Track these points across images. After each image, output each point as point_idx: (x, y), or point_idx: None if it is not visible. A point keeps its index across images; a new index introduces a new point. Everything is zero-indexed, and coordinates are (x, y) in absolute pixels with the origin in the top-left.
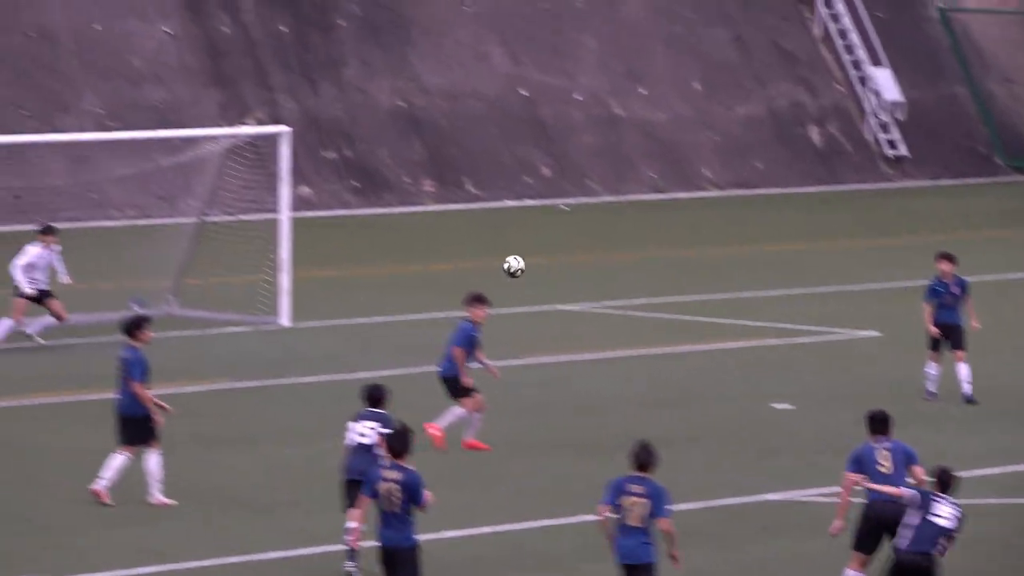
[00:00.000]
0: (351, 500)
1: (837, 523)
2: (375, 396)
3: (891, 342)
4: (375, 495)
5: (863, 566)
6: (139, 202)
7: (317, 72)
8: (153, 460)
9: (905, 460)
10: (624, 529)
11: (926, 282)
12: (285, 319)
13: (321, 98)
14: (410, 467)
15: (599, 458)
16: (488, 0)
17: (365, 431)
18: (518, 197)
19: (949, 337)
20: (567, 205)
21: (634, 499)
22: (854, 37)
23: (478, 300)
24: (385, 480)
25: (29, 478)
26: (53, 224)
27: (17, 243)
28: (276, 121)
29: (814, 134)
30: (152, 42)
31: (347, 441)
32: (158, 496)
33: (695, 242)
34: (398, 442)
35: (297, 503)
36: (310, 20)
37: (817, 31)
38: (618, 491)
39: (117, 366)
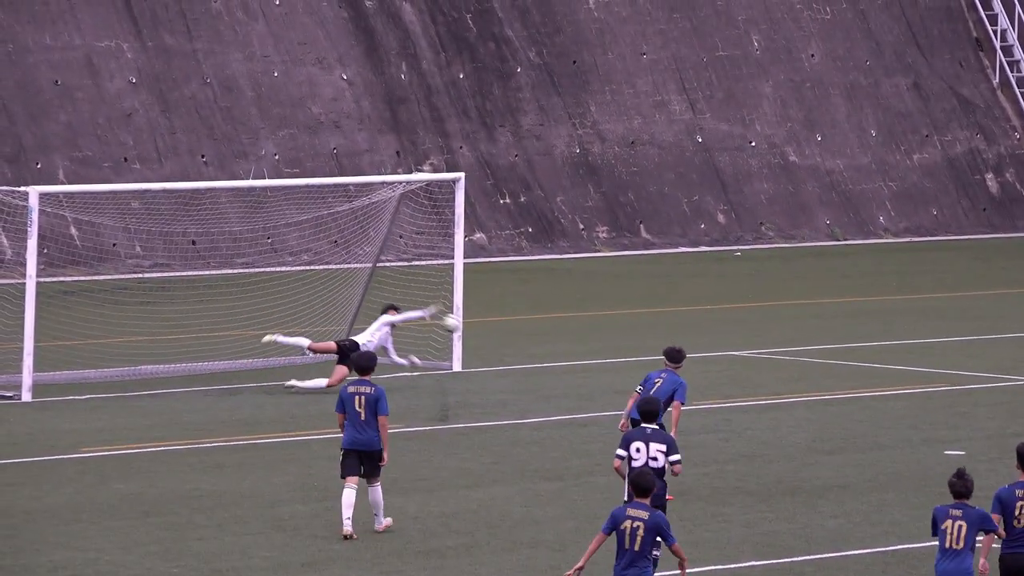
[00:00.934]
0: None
1: (982, 561)
2: None
3: None
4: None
5: None
6: (314, 247)
7: (494, 119)
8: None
9: None
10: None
11: None
12: (457, 364)
13: (497, 145)
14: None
15: (767, 503)
16: (666, 47)
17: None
18: (693, 244)
19: None
20: (740, 251)
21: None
22: None
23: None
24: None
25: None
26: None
27: (192, 288)
28: (451, 168)
29: (991, 181)
30: (330, 89)
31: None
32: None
33: (871, 289)
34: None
35: (469, 548)
36: (488, 67)
37: (995, 78)
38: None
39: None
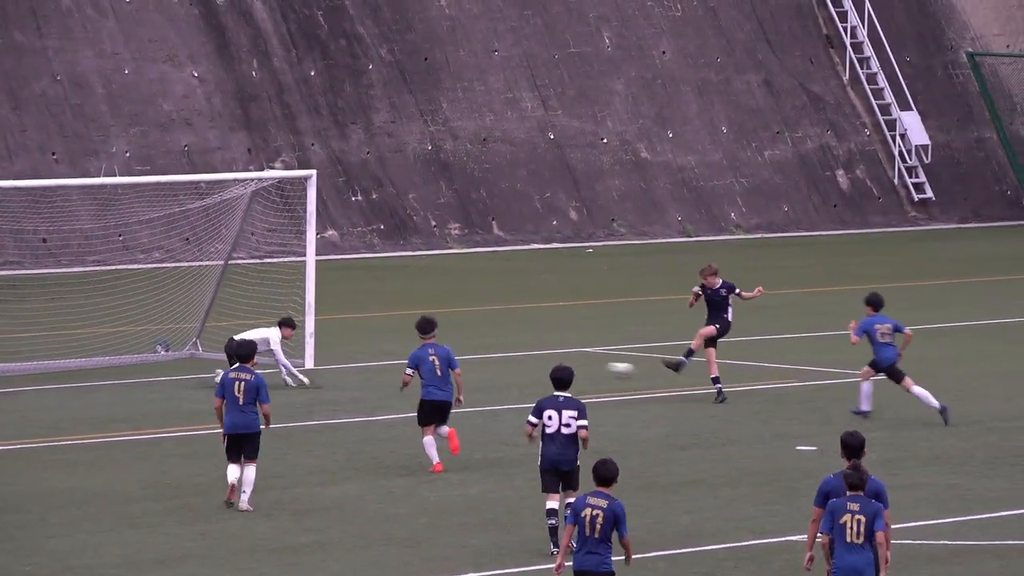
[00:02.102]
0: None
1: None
2: None
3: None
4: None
5: None
6: (165, 245)
7: (346, 116)
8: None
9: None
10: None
11: (952, 324)
12: (310, 362)
13: (349, 142)
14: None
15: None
16: (518, 45)
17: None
18: (545, 240)
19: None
20: (592, 248)
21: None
22: (882, 81)
23: None
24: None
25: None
26: None
27: (42, 286)
28: (303, 165)
29: (841, 178)
30: (181, 86)
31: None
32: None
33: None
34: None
35: (322, 545)
36: (339, 64)
37: (846, 75)
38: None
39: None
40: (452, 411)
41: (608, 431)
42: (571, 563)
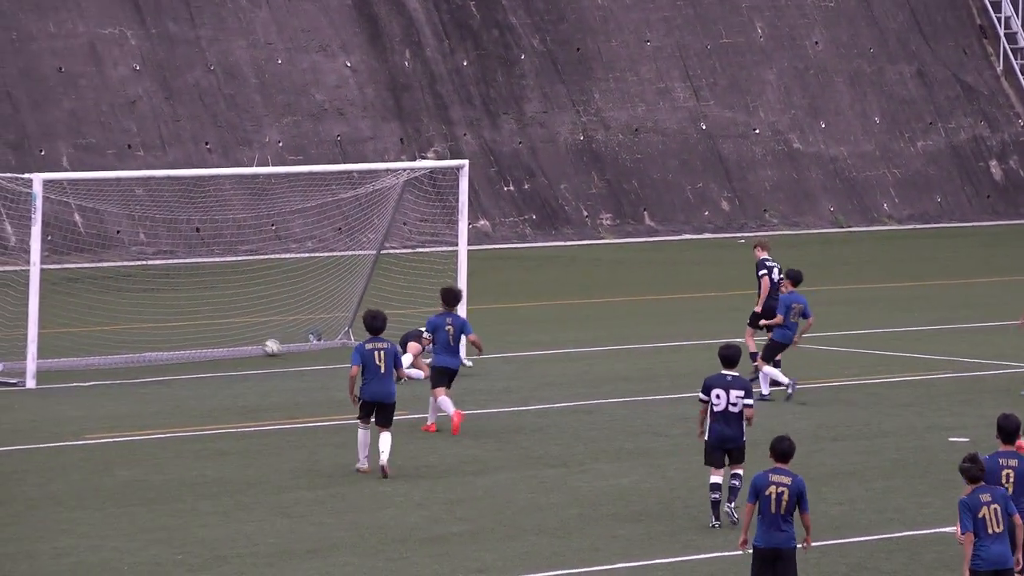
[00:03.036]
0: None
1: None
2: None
3: None
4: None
5: None
6: (318, 235)
7: (498, 106)
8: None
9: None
10: None
11: None
12: (461, 352)
13: (501, 132)
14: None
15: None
16: (670, 35)
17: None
18: (696, 231)
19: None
20: (744, 239)
21: None
22: None
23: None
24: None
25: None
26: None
27: (195, 275)
28: (456, 155)
29: (994, 168)
30: (334, 76)
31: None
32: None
33: (873, 276)
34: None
35: (473, 535)
36: (492, 55)
37: (999, 65)
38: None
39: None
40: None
41: (760, 422)
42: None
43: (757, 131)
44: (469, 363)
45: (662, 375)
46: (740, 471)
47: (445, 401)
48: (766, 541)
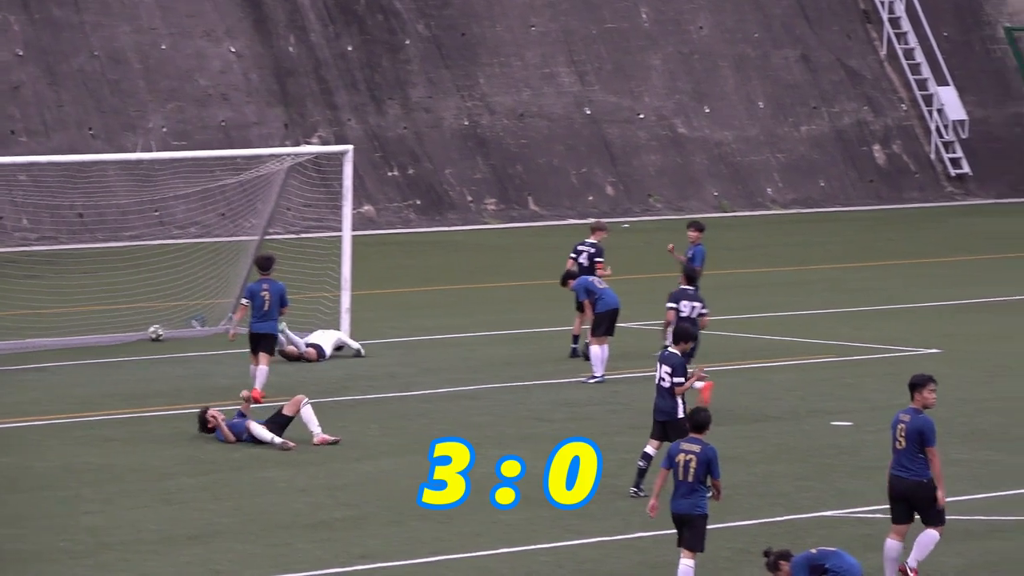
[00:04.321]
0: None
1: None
2: None
3: (953, 360)
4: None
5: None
6: (201, 220)
7: (383, 92)
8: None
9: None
10: None
11: (989, 300)
12: (345, 337)
13: (386, 117)
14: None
15: (653, 473)
16: (555, 21)
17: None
18: (581, 216)
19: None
20: (628, 223)
21: None
22: (919, 56)
23: None
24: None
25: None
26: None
27: (80, 261)
28: (340, 140)
29: (878, 153)
30: (219, 62)
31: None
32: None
33: (757, 260)
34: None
35: (357, 520)
36: (377, 40)
37: (883, 50)
38: None
39: None
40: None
41: (641, 406)
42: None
43: (642, 116)
44: (359, 348)
45: (545, 360)
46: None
47: (258, 372)
48: (675, 507)
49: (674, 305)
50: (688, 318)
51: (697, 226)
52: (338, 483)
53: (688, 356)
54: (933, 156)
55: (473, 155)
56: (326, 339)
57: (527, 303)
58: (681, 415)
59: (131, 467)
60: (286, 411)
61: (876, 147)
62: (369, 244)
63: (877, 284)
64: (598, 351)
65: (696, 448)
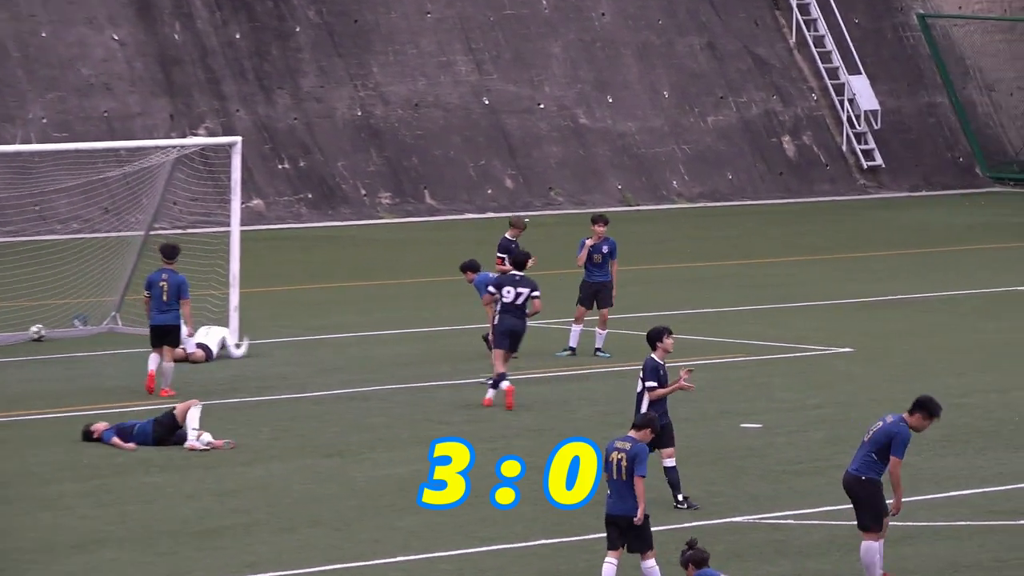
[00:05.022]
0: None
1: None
2: None
3: (865, 359)
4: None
5: None
6: (83, 215)
7: (272, 81)
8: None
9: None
10: None
11: (901, 296)
12: (233, 336)
13: (276, 107)
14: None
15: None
16: (451, 6)
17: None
18: (479, 210)
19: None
20: (528, 219)
21: None
22: (830, 44)
23: None
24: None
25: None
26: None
27: None
28: (228, 132)
29: (787, 144)
30: (101, 50)
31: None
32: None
33: (662, 256)
34: None
35: (247, 527)
36: (266, 27)
37: (792, 37)
38: None
39: None
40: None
41: (546, 408)
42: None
43: (542, 106)
44: (241, 349)
45: (442, 360)
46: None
47: (163, 369)
48: (611, 508)
49: (494, 290)
50: (512, 304)
51: (604, 220)
52: (227, 488)
53: (511, 346)
54: (845, 147)
55: (367, 147)
56: (212, 338)
57: (424, 300)
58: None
59: (10, 472)
60: (178, 415)
61: (786, 138)
62: (258, 239)
63: (788, 281)
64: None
65: (627, 445)
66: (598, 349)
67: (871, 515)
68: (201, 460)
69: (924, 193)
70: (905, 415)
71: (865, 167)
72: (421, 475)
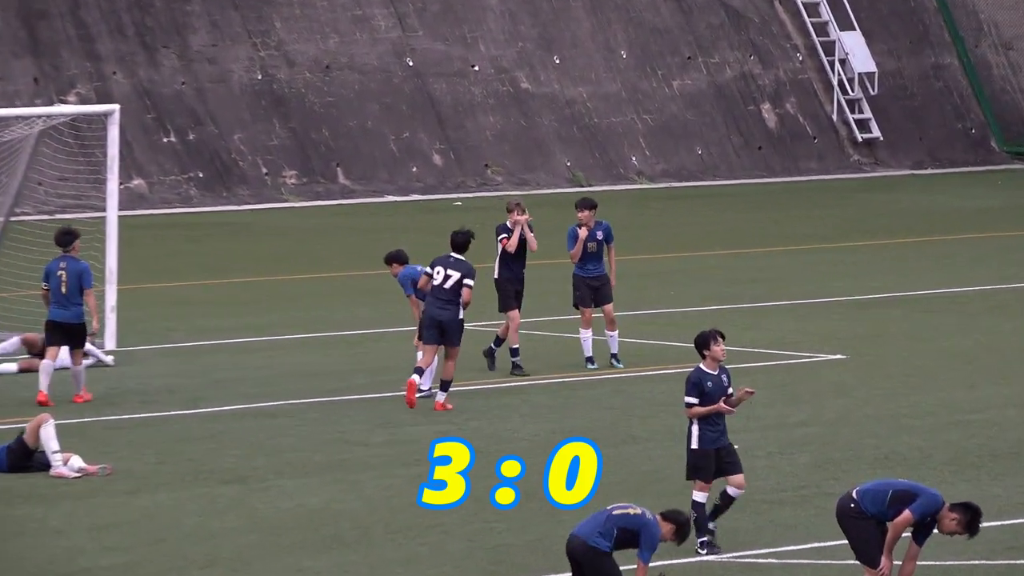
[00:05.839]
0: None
1: None
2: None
3: (861, 368)
4: None
5: None
6: None
7: (156, 39)
8: None
9: None
10: None
11: (902, 294)
12: (111, 342)
13: (160, 70)
14: None
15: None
16: None
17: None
18: (403, 192)
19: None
20: (461, 201)
21: None
22: None
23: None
24: None
25: None
26: None
27: None
28: (104, 99)
29: (767, 113)
30: None
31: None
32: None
33: (619, 246)
34: None
35: (128, 568)
36: None
37: None
38: None
39: None
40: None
41: (482, 426)
42: None
43: (476, 68)
44: (109, 359)
45: (358, 370)
46: None
47: (45, 369)
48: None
49: (428, 270)
50: (440, 288)
51: (589, 204)
52: (103, 522)
53: (439, 338)
54: (835, 117)
55: (268, 117)
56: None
57: (338, 299)
58: (693, 445)
59: None
60: (27, 438)
61: (765, 107)
62: (140, 227)
63: (768, 275)
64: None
65: (638, 513)
66: (614, 355)
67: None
68: (71, 489)
69: (929, 171)
70: (947, 504)
71: (859, 140)
72: (335, 505)
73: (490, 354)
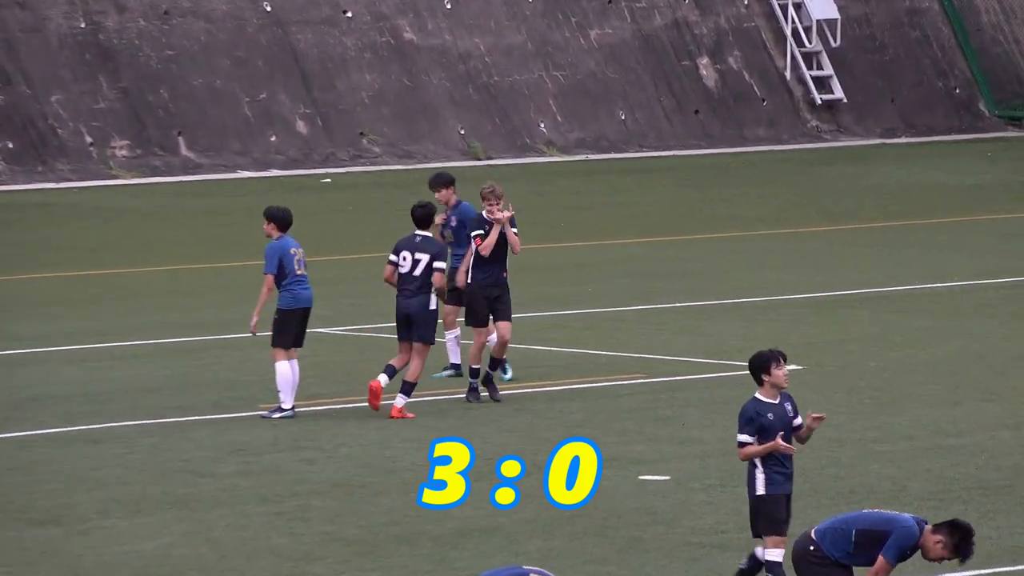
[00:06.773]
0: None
1: None
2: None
3: (820, 380)
4: None
5: None
6: None
7: None
8: None
9: None
10: None
11: (871, 290)
12: None
13: None
14: None
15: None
16: None
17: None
18: (260, 166)
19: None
20: (330, 178)
21: None
22: None
23: None
24: None
25: None
26: None
27: None
28: None
29: (705, 70)
30: None
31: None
32: None
33: (524, 231)
34: None
35: None
36: None
37: None
38: None
39: None
40: None
41: (347, 453)
42: None
43: (349, 14)
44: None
45: (205, 384)
46: None
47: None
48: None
49: (393, 258)
50: (409, 275)
51: (446, 180)
52: None
53: (413, 334)
54: (789, 74)
55: (94, 75)
56: None
57: (180, 298)
58: (759, 491)
59: None
60: None
61: (703, 61)
62: None
63: (705, 268)
64: (286, 369)
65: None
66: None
67: None
68: None
69: (904, 140)
70: (928, 527)
71: (818, 103)
72: (177, 551)
73: (494, 368)
